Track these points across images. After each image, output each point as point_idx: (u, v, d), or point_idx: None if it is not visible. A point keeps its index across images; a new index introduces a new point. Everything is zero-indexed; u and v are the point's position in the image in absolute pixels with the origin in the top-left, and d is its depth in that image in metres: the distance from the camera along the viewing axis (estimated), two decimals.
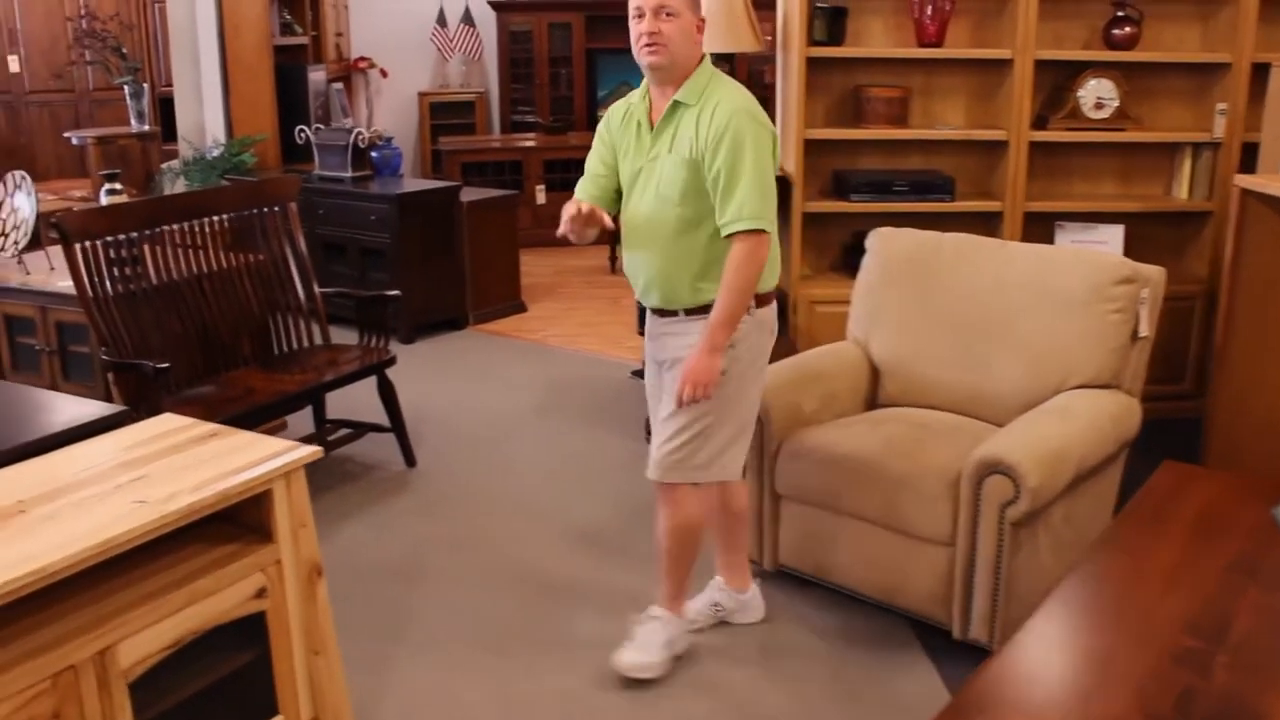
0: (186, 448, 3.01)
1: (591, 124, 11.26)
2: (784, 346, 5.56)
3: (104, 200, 4.99)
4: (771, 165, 3.38)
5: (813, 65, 5.37)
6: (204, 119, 8.78)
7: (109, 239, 4.56)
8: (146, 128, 8.56)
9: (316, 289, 5.30)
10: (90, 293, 4.47)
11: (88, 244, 4.48)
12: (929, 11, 5.39)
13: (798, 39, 5.30)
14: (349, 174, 7.47)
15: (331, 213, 7.41)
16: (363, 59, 11.39)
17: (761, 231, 3.32)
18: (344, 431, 5.29)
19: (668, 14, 3.27)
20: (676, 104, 3.36)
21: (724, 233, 3.32)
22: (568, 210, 3.33)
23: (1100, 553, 2.93)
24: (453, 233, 7.47)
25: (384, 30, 11.43)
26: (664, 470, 3.53)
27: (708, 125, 3.29)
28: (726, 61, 5.56)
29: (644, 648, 3.67)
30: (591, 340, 7.18)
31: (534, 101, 11.08)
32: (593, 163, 3.60)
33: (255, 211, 5.16)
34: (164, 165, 8.59)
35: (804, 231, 5.51)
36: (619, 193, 3.57)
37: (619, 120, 3.55)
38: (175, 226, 4.83)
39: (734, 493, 3.83)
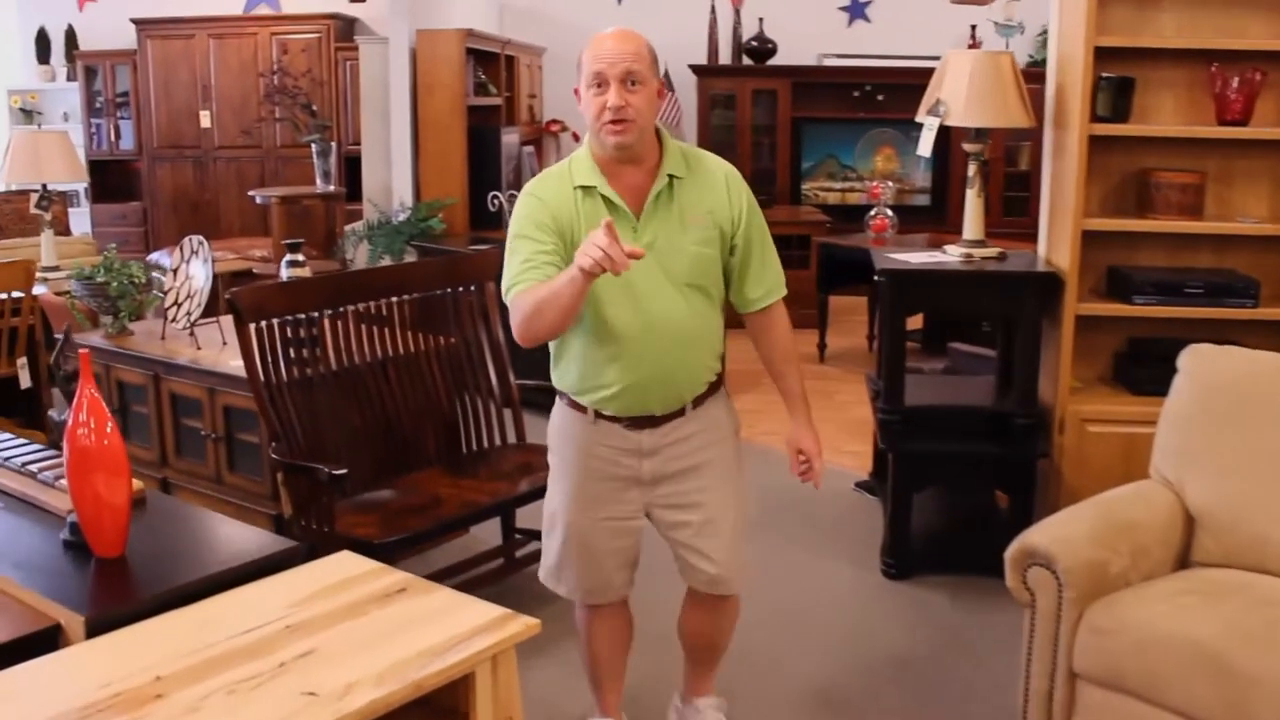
0: (368, 609, 2.38)
1: (796, 198, 10.61)
2: (1049, 471, 4.79)
3: (285, 273, 4.46)
4: None
5: (1092, 145, 4.61)
6: (391, 180, 8.35)
7: (287, 318, 4.01)
8: (331, 188, 8.13)
9: (512, 378, 4.69)
10: (263, 379, 3.91)
11: (263, 324, 3.93)
12: (1234, 84, 4.58)
13: (1078, 114, 4.54)
14: None
15: None
16: (555, 122, 10.93)
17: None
18: (534, 545, 4.63)
19: (634, 82, 2.89)
20: (672, 179, 3.01)
21: (765, 303, 3.18)
22: (612, 246, 2.61)
23: None
24: None
25: None
26: (741, 580, 3.36)
27: (725, 194, 3.07)
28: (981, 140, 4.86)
29: None
30: None
31: None
32: (538, 253, 2.93)
33: (449, 290, 4.57)
34: (347, 228, 8.15)
35: (1075, 336, 4.72)
36: None
37: (570, 202, 2.98)
38: (360, 306, 4.27)
39: None
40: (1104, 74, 4.58)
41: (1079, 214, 4.60)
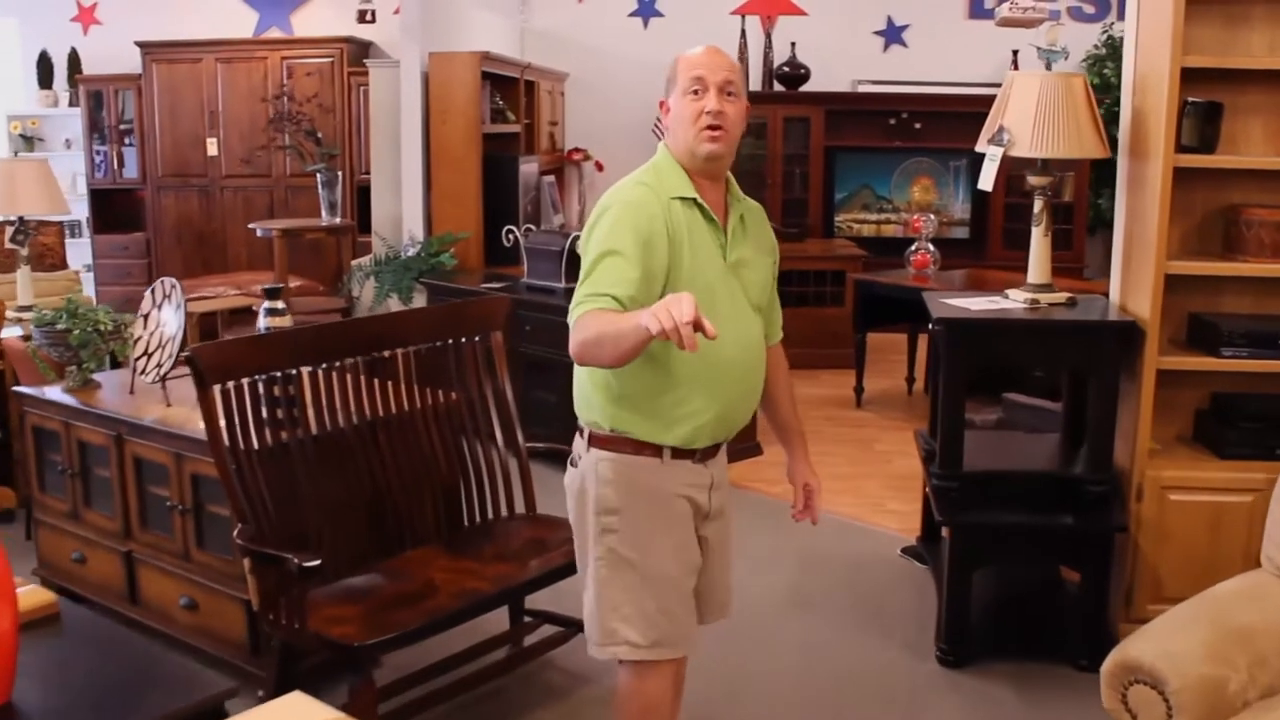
0: None
1: (829, 230, 10.09)
2: (1124, 544, 4.24)
3: (263, 324, 3.95)
4: None
5: (1176, 178, 4.07)
6: (402, 212, 7.86)
7: (260, 377, 3.50)
8: (338, 220, 7.64)
9: (522, 440, 4.17)
10: (229, 449, 3.39)
11: (230, 385, 3.41)
12: None
13: (1161, 144, 4.01)
14: (562, 284, 6.36)
15: (539, 329, 6.32)
16: (577, 150, 10.44)
17: None
18: (546, 630, 4.12)
19: (730, 94, 2.83)
20: (738, 199, 2.97)
21: (779, 336, 3.16)
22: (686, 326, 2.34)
23: None
24: None
25: (601, 120, 10.46)
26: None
27: (764, 223, 3.06)
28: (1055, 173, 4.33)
29: None
30: (846, 500, 5.88)
31: (764, 203, 9.75)
32: (622, 280, 2.67)
33: (450, 341, 4.05)
34: (354, 263, 7.65)
35: (1155, 393, 4.18)
36: None
37: (677, 213, 2.80)
38: (347, 360, 3.75)
39: None
40: (1190, 98, 4.05)
41: (1162, 256, 4.06)
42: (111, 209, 11.02)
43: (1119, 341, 4.18)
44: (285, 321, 3.92)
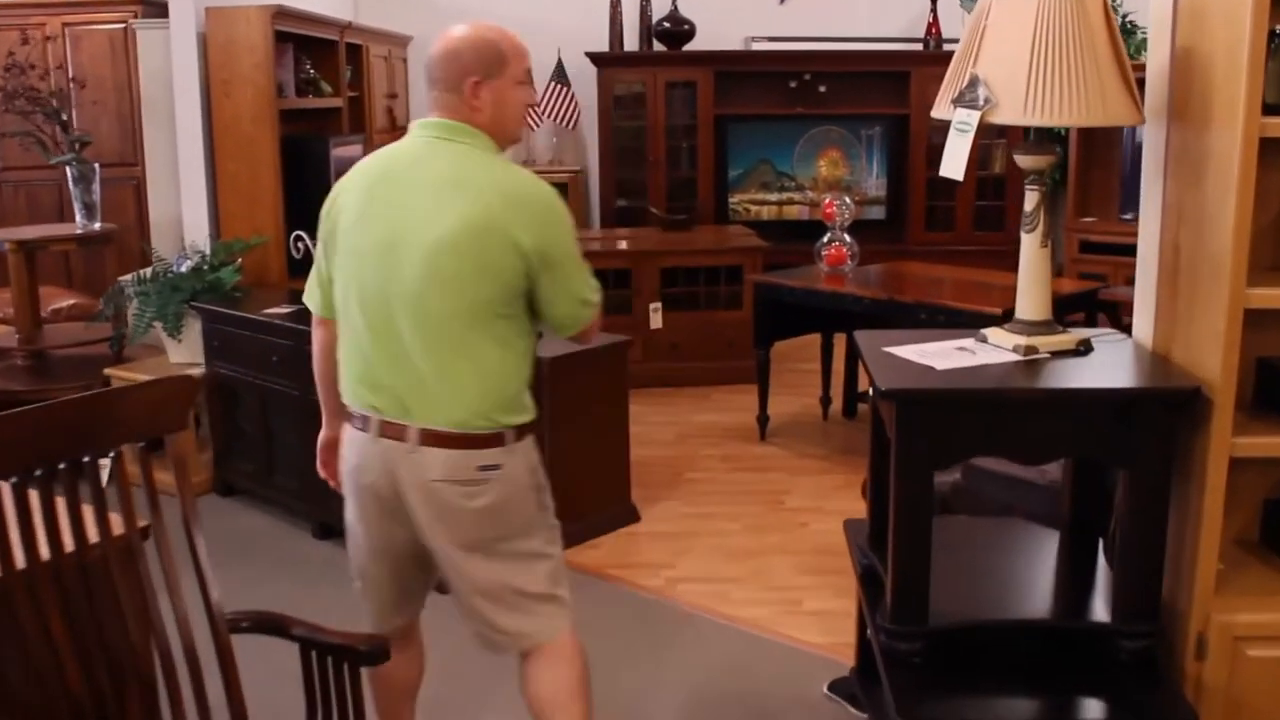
0: None
1: (723, 214, 8.63)
2: None
3: None
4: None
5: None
6: (181, 213, 6.21)
7: None
8: (97, 226, 5.96)
9: (217, 606, 2.57)
10: None
11: None
12: None
13: (1239, 102, 2.50)
14: None
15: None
16: None
17: None
18: None
19: None
20: None
21: None
22: None
23: None
24: None
25: None
26: None
27: None
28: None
29: None
30: (748, 595, 4.33)
31: (646, 185, 8.52)
32: None
33: (87, 461, 2.44)
34: (120, 279, 5.97)
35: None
36: None
37: None
38: None
39: None
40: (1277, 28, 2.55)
41: (1240, 282, 2.56)
42: None
43: (1172, 416, 2.66)
44: None
